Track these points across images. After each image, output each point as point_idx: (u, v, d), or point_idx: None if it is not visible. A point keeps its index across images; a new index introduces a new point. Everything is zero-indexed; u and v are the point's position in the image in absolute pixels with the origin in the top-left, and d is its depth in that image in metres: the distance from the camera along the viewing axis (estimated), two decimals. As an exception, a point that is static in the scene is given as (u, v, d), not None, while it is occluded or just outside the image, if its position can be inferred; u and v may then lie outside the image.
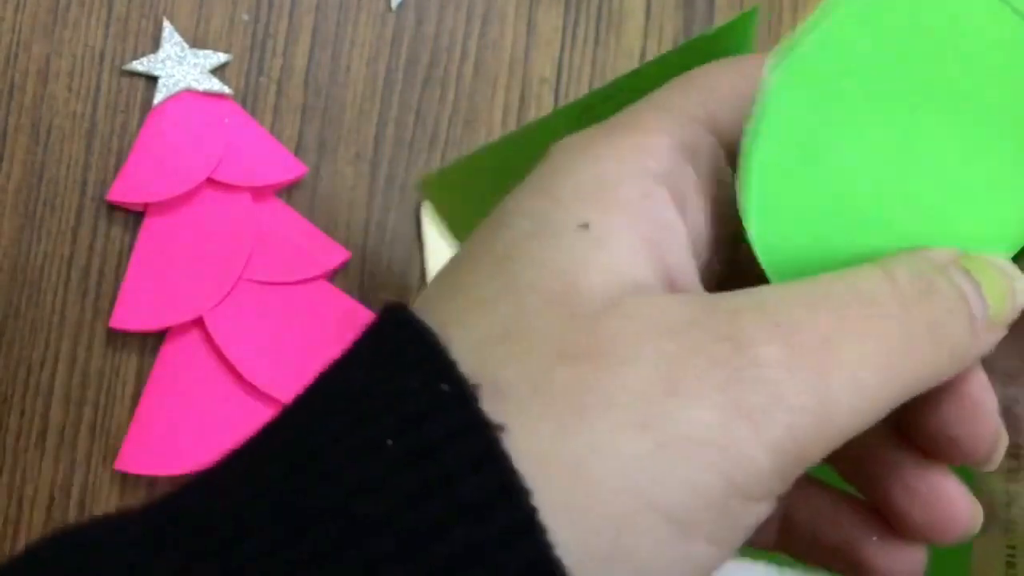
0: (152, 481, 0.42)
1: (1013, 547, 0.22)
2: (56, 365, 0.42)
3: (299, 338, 0.43)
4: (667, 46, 0.48)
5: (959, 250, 0.21)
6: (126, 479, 0.42)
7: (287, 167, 0.44)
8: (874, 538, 0.23)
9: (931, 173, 0.21)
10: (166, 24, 0.44)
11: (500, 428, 0.17)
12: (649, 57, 0.48)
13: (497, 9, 0.47)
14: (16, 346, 0.42)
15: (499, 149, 0.32)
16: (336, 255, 0.44)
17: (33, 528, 0.41)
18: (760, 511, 0.18)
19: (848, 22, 0.20)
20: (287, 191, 0.45)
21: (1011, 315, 0.21)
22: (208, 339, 0.43)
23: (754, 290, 0.19)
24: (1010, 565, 0.22)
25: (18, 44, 0.44)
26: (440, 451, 0.17)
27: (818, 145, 0.20)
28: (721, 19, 0.49)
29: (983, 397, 0.21)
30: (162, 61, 0.44)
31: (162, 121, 0.44)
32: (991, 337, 0.21)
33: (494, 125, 0.46)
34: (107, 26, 0.44)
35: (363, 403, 0.18)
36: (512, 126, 0.47)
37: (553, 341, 0.18)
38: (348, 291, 0.44)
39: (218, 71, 0.45)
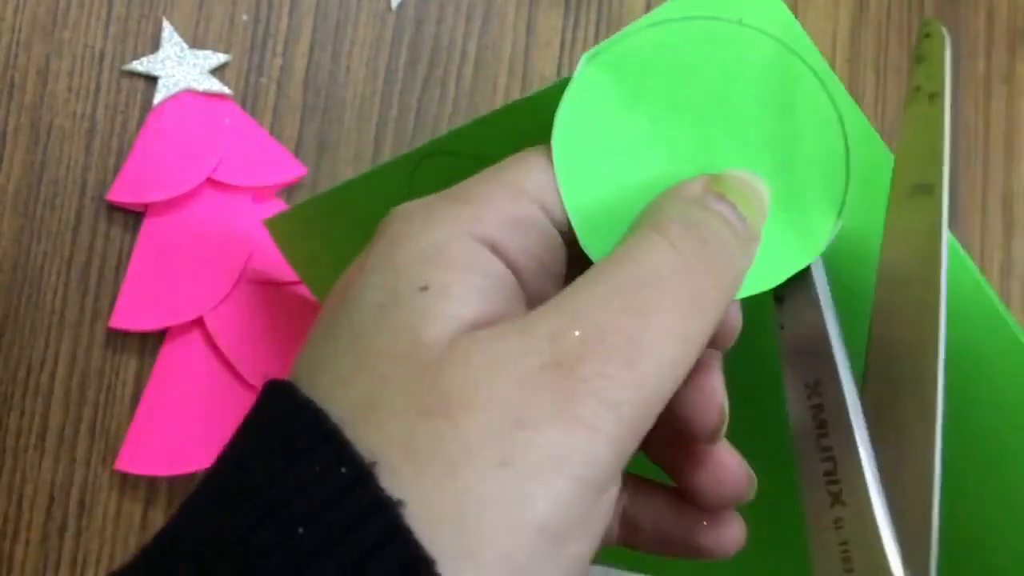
0: (152, 481, 0.42)
1: (845, 543, 0.24)
2: (56, 365, 0.42)
3: (300, 338, 0.43)
4: (667, 46, 0.48)
5: (707, 176, 0.24)
6: (126, 479, 0.42)
7: (287, 167, 0.44)
8: (704, 523, 0.27)
9: (707, 164, 0.25)
10: (166, 24, 0.44)
11: (402, 504, 0.19)
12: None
13: (497, 9, 0.47)
14: (16, 346, 0.42)
15: (341, 194, 0.34)
16: (336, 255, 0.44)
17: (33, 528, 0.41)
18: (611, 496, 0.21)
19: (650, 39, 0.24)
20: (287, 191, 0.45)
21: (762, 220, 0.24)
22: (208, 339, 0.43)
23: (563, 301, 0.22)
24: (845, 560, 0.24)
25: (18, 44, 0.44)
26: (350, 534, 0.19)
27: (612, 128, 0.25)
28: (721, 19, 0.49)
29: (715, 386, 0.25)
30: (162, 61, 0.44)
31: (162, 121, 0.44)
32: (754, 246, 0.24)
33: (494, 125, 0.46)
34: (107, 26, 0.44)
35: (269, 495, 0.20)
36: (512, 126, 0.47)
37: (409, 401, 0.20)
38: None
39: (218, 71, 0.45)
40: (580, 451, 0.20)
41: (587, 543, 0.20)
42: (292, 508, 0.19)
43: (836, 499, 0.24)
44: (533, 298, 0.24)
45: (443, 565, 0.18)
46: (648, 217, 0.23)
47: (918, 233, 0.23)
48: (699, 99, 0.24)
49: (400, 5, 0.46)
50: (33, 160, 0.43)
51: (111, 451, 0.42)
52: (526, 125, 0.25)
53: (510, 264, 0.23)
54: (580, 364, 0.20)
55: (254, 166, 0.44)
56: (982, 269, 0.48)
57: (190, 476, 0.42)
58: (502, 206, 0.23)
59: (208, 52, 0.44)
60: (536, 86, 0.47)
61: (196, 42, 0.45)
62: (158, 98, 0.44)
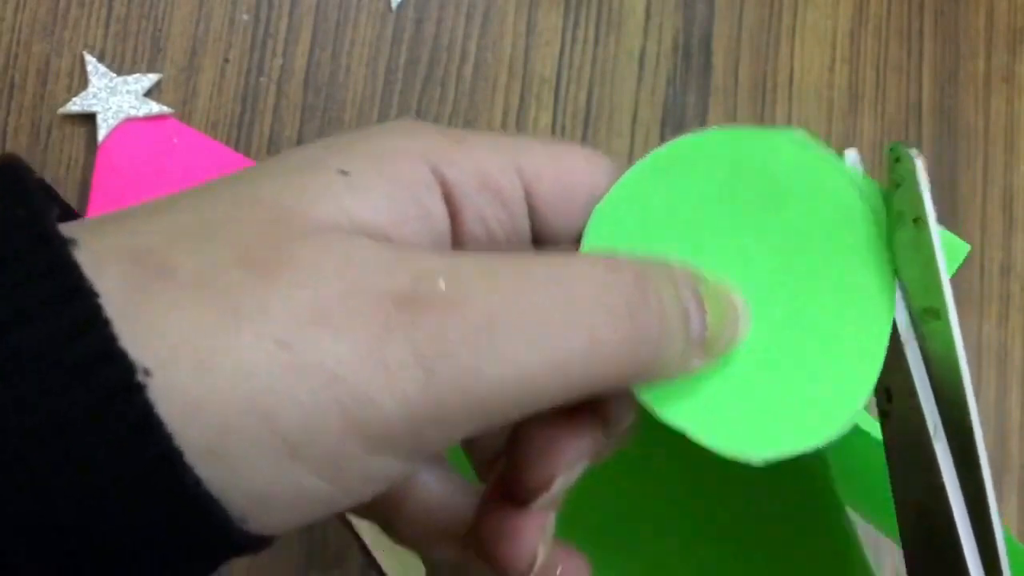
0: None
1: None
2: (56, 365, 0.42)
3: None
4: (667, 46, 0.48)
5: (697, 271, 0.22)
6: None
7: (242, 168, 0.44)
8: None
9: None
10: (88, 58, 0.44)
11: (72, 242, 0.17)
12: (649, 57, 0.48)
13: (497, 9, 0.47)
14: (16, 346, 0.42)
15: None
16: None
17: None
18: (384, 466, 0.18)
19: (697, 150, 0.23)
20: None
21: (725, 350, 0.22)
22: None
23: (458, 255, 0.19)
24: None
25: (18, 44, 0.44)
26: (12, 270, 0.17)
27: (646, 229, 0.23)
28: (721, 19, 0.49)
29: (529, 535, 0.22)
30: (94, 96, 0.44)
31: (112, 156, 0.43)
32: (699, 364, 0.21)
33: (494, 125, 0.46)
34: (107, 26, 0.44)
35: None
36: (512, 126, 0.47)
37: (242, 246, 0.18)
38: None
39: (153, 91, 0.44)
40: (361, 384, 0.17)
41: (328, 488, 0.18)
42: None
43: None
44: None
45: (154, 388, 0.16)
46: (611, 254, 0.21)
47: (937, 357, 0.23)
48: (741, 218, 0.23)
49: (400, 5, 0.46)
50: (33, 160, 0.43)
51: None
52: None
53: (455, 217, 0.21)
54: (424, 313, 0.18)
55: (213, 176, 0.43)
56: (982, 269, 0.48)
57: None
58: (486, 169, 0.21)
59: (137, 75, 0.44)
60: (536, 86, 0.47)
61: (196, 43, 0.45)
62: (101, 134, 0.43)
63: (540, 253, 0.20)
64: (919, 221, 0.22)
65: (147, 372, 0.17)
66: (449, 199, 0.21)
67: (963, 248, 0.46)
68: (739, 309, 0.22)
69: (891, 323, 0.23)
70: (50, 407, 0.16)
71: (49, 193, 0.20)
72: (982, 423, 0.22)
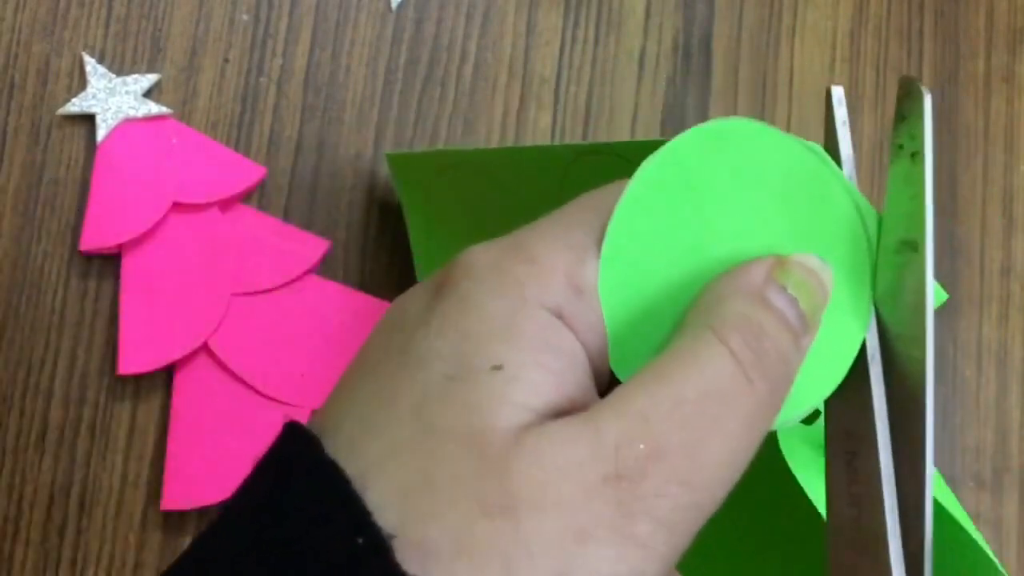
0: (151, 480, 0.42)
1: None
2: (56, 365, 0.42)
3: (303, 337, 0.43)
4: (667, 46, 0.48)
5: (771, 259, 0.23)
6: (126, 480, 0.42)
7: (247, 171, 0.44)
8: None
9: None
10: (87, 59, 0.44)
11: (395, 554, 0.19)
12: (649, 57, 0.48)
13: (497, 9, 0.47)
14: (16, 346, 0.42)
15: (480, 156, 0.35)
16: (317, 247, 0.44)
17: (33, 528, 0.41)
18: None
19: (695, 147, 0.24)
20: (257, 194, 0.45)
21: (822, 312, 0.23)
22: (217, 363, 0.42)
23: (629, 401, 0.21)
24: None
25: (18, 44, 0.44)
26: None
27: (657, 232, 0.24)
28: (721, 19, 0.49)
29: None
30: (93, 97, 0.43)
31: (111, 157, 0.43)
32: (808, 340, 0.23)
33: (494, 125, 0.46)
34: (107, 26, 0.44)
35: (281, 555, 0.19)
36: (512, 126, 0.47)
37: (471, 492, 0.20)
38: (337, 279, 0.44)
39: (153, 91, 0.44)
40: (631, 570, 0.20)
41: None
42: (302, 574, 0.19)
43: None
44: (599, 372, 0.23)
45: None
46: (706, 312, 0.23)
47: (906, 288, 0.23)
48: (738, 205, 0.24)
49: (400, 5, 0.46)
50: (33, 160, 0.43)
51: (111, 451, 0.42)
52: None
53: (579, 337, 0.22)
54: (643, 480, 0.20)
55: (214, 179, 0.43)
56: (982, 269, 0.48)
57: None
58: (569, 270, 0.23)
59: (136, 76, 0.44)
60: (536, 86, 0.47)
61: (196, 43, 0.45)
62: (100, 135, 0.43)
63: (671, 360, 0.22)
64: (916, 155, 0.23)
65: None
66: (566, 322, 0.22)
67: (942, 295, 0.46)
68: (820, 273, 0.23)
69: (863, 341, 0.24)
70: None
71: (336, 469, 0.21)
72: (941, 399, 0.23)
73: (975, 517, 0.46)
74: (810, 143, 0.24)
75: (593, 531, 0.20)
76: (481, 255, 0.23)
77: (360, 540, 0.19)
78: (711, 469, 0.21)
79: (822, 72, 0.49)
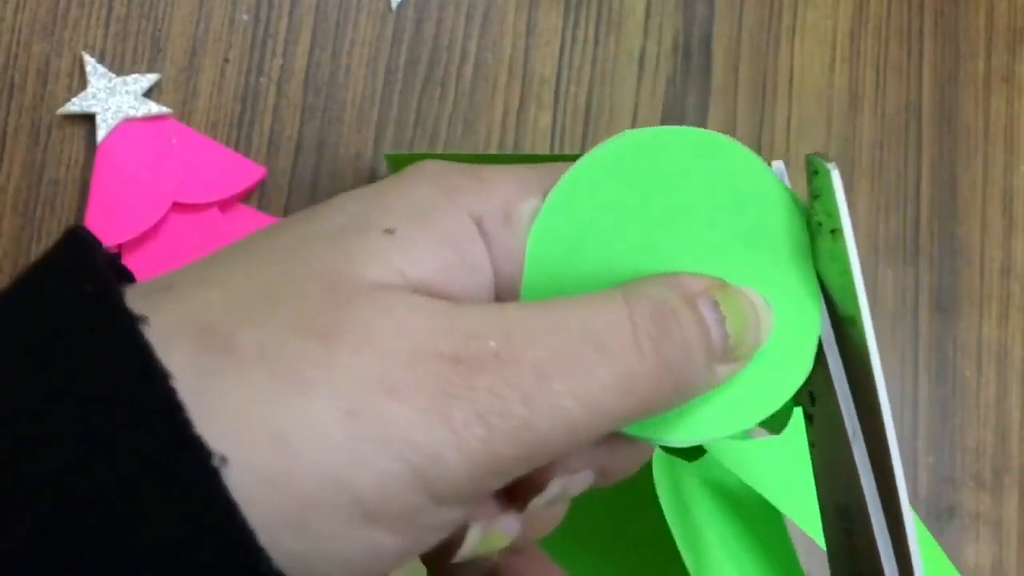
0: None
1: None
2: (56, 365, 0.42)
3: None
4: (667, 46, 0.48)
5: (716, 280, 0.22)
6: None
7: (247, 171, 0.44)
8: None
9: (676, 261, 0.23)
10: (87, 58, 0.44)
11: (142, 319, 0.18)
12: (649, 57, 0.48)
13: (497, 9, 0.47)
14: (16, 346, 0.42)
15: (480, 161, 0.34)
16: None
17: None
18: (448, 515, 0.20)
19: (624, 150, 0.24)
20: (258, 194, 0.45)
21: (752, 350, 0.22)
22: None
23: (504, 311, 0.20)
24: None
25: (18, 44, 0.44)
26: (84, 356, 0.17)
27: (587, 225, 0.23)
28: (721, 19, 0.49)
29: None
30: (94, 96, 0.43)
31: (111, 157, 0.43)
32: (726, 370, 0.22)
33: (494, 125, 0.46)
34: (107, 26, 0.44)
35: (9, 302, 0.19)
36: (512, 126, 0.47)
37: (301, 315, 0.19)
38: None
39: (153, 91, 0.44)
40: (432, 447, 0.18)
41: (400, 542, 0.19)
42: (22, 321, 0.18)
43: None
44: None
45: (234, 468, 0.17)
46: (627, 283, 0.22)
47: (854, 361, 0.23)
48: (672, 207, 0.24)
49: (400, 5, 0.46)
50: (33, 160, 0.43)
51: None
52: None
53: (491, 255, 0.22)
54: (480, 372, 0.19)
55: (214, 179, 0.43)
56: (982, 269, 0.48)
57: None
58: (509, 197, 0.22)
59: (137, 76, 0.44)
60: (536, 86, 0.47)
61: (196, 43, 0.45)
62: (100, 134, 0.43)
63: (568, 298, 0.21)
64: (836, 232, 0.23)
65: (224, 459, 0.17)
66: (488, 241, 0.22)
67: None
68: (759, 310, 0.23)
69: (819, 328, 0.23)
70: (128, 504, 0.17)
71: (115, 264, 0.20)
72: (897, 428, 0.23)
73: (975, 517, 0.46)
74: (731, 138, 0.24)
75: (407, 393, 0.18)
76: (437, 163, 0.23)
77: (90, 288, 0.18)
78: (560, 398, 0.19)
79: (822, 72, 0.49)
